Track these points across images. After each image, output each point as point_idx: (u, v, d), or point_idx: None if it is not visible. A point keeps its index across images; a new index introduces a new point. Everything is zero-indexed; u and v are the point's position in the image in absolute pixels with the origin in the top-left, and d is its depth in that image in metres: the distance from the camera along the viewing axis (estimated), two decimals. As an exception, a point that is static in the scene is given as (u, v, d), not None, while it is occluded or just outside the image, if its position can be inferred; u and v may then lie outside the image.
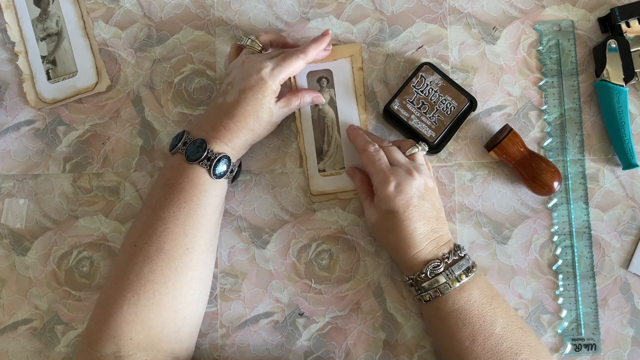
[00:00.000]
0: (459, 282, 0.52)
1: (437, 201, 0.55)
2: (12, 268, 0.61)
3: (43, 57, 0.63)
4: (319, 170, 0.61)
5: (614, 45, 0.59)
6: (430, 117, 0.59)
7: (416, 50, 0.63)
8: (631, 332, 0.59)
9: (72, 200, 0.61)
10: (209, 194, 0.54)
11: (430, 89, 0.59)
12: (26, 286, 0.60)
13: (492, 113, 0.62)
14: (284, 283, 0.60)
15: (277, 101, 0.56)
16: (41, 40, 0.63)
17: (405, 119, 0.59)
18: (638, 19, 0.60)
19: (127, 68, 0.63)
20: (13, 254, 0.61)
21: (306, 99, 0.59)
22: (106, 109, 0.63)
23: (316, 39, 0.58)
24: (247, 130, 0.55)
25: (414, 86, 0.59)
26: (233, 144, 0.55)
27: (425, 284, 0.52)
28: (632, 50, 0.59)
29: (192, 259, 0.53)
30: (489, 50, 0.62)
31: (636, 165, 0.59)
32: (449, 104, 0.59)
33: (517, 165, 0.58)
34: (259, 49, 0.58)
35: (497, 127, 0.61)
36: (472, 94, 0.61)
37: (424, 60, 0.62)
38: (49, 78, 0.63)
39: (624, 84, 0.59)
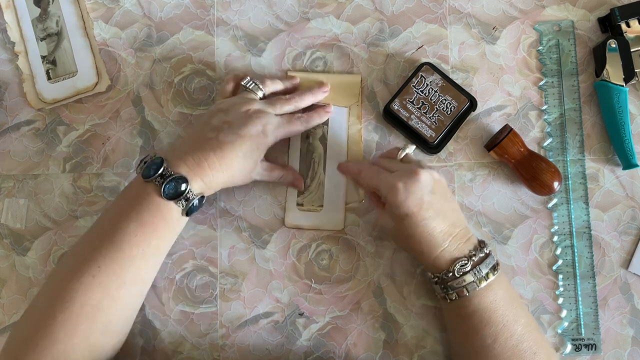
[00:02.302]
0: (486, 280, 0.51)
1: (448, 193, 0.54)
2: (12, 268, 0.61)
3: (43, 57, 0.63)
4: (297, 204, 0.61)
5: (614, 45, 0.59)
6: (430, 117, 0.59)
7: (416, 50, 0.63)
8: (631, 332, 0.59)
9: (72, 200, 0.61)
10: (176, 231, 0.54)
11: (430, 89, 0.59)
12: (26, 286, 0.60)
13: (492, 113, 0.62)
14: (284, 283, 0.60)
15: (263, 160, 0.56)
16: (41, 40, 0.63)
17: (405, 119, 0.59)
18: (638, 19, 0.60)
19: (127, 68, 0.63)
20: (13, 254, 0.61)
21: (288, 178, 0.59)
22: (106, 109, 0.63)
23: (314, 90, 0.60)
24: (229, 173, 0.53)
25: (414, 86, 0.59)
26: (211, 182, 0.53)
27: (452, 283, 0.51)
28: (632, 50, 0.59)
29: (145, 288, 0.54)
30: (489, 50, 0.63)
31: (636, 165, 0.59)
32: (449, 104, 0.59)
33: (517, 165, 0.58)
34: (260, 96, 0.58)
35: (497, 127, 0.61)
36: (472, 94, 0.61)
37: (424, 60, 0.62)
38: (49, 78, 0.63)
39: (624, 84, 0.59)
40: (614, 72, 0.59)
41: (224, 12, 0.64)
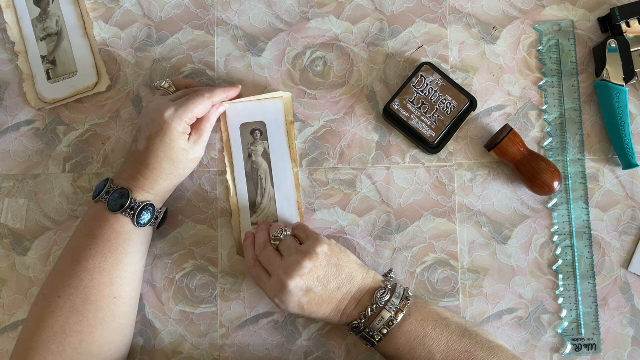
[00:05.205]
0: (402, 312, 0.50)
1: (332, 260, 0.52)
2: (13, 268, 0.61)
3: (43, 57, 0.63)
4: (252, 224, 0.60)
5: (614, 45, 0.59)
6: (430, 117, 0.59)
7: (416, 50, 0.63)
8: (631, 332, 0.59)
9: (72, 200, 0.61)
10: (134, 243, 0.54)
11: (430, 89, 0.59)
12: (26, 286, 0.60)
13: (492, 113, 0.62)
14: (284, 283, 0.60)
15: (189, 138, 0.55)
16: (41, 40, 0.63)
17: (405, 119, 0.59)
18: (638, 19, 0.60)
19: (127, 68, 0.63)
20: (13, 254, 0.61)
21: (213, 118, 0.57)
22: (106, 109, 0.63)
23: (225, 87, 0.59)
24: (165, 175, 0.55)
25: (414, 86, 0.59)
26: (155, 190, 0.55)
27: (373, 324, 0.50)
28: (632, 50, 0.59)
29: (120, 307, 0.53)
30: (489, 50, 0.62)
31: (636, 165, 0.59)
32: (449, 104, 0.59)
33: (517, 165, 0.58)
34: (166, 86, 0.58)
35: (497, 127, 0.61)
36: (472, 93, 0.61)
37: (424, 60, 0.62)
38: (49, 78, 0.63)
39: (624, 84, 0.59)
40: (614, 72, 0.59)
41: (224, 12, 0.64)
